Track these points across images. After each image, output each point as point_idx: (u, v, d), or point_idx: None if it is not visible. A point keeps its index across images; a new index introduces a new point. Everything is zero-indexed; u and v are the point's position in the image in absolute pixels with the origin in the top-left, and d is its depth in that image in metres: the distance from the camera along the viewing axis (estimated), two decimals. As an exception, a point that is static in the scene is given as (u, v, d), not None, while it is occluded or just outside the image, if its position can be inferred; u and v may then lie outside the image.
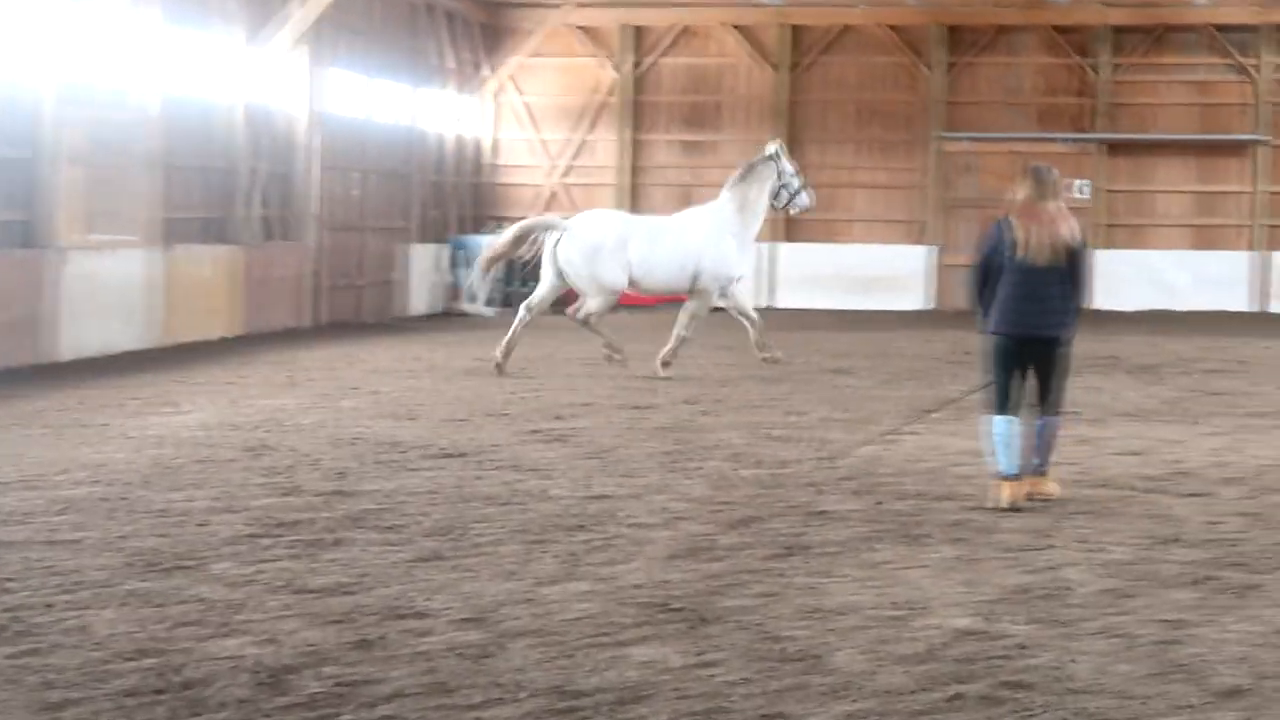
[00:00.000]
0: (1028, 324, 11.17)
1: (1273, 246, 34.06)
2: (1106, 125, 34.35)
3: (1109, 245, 34.05)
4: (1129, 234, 34.32)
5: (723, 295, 19.86)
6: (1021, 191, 11.31)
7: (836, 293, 34.22)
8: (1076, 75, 34.54)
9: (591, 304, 19.83)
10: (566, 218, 20.56)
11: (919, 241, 34.60)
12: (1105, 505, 11.01)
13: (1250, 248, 34.09)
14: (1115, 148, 34.34)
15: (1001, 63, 34.84)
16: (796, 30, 35.16)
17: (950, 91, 34.79)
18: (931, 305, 34.09)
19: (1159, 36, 34.27)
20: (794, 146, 34.71)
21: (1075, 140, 34.37)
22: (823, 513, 10.65)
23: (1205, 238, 34.46)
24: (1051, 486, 11.31)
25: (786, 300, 34.28)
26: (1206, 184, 34.41)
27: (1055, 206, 11.24)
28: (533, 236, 19.94)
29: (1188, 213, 34.50)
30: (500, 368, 19.38)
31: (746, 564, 9.07)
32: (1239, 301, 33.78)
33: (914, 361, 21.71)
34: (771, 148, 20.37)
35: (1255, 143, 34.00)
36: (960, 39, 34.75)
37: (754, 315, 20.17)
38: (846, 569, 8.98)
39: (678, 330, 19.70)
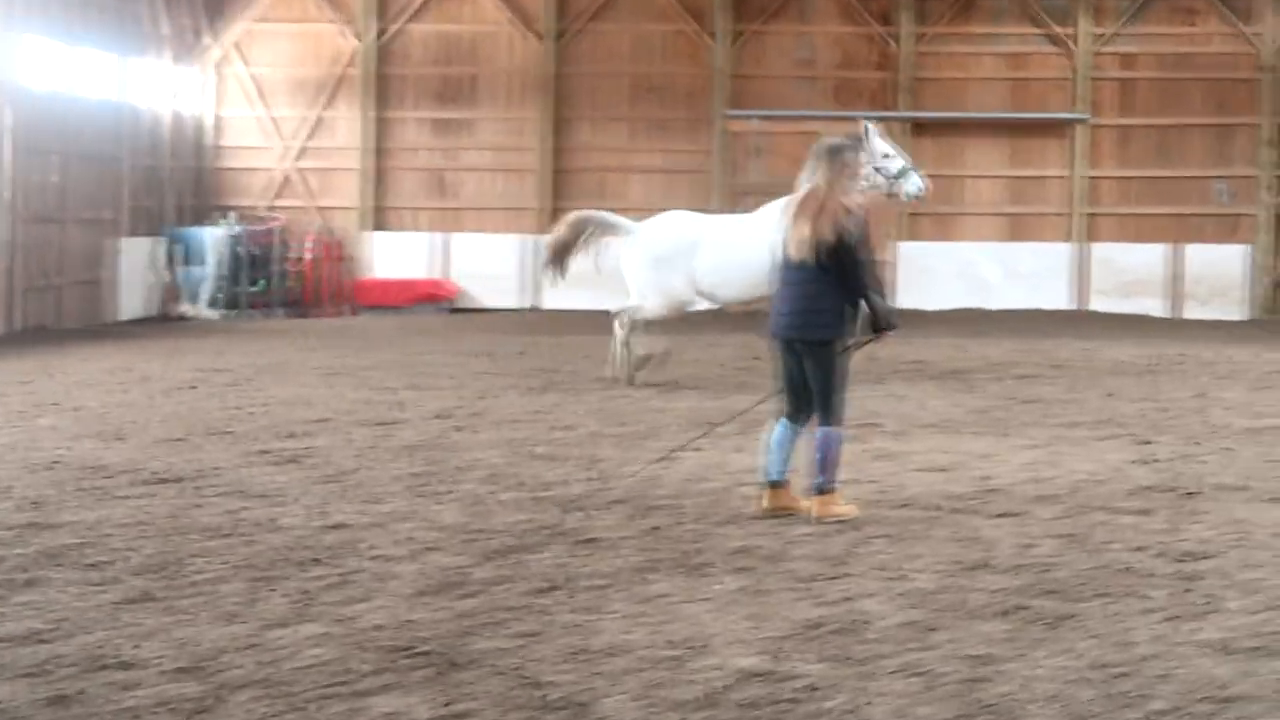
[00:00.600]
0: (786, 325, 11.54)
1: (1093, 237, 34.90)
2: (910, 102, 34.95)
3: (913, 237, 34.63)
4: (936, 224, 34.85)
5: None
6: (806, 171, 11.58)
7: (604, 291, 34.04)
8: (877, 46, 35.10)
9: (648, 311, 20.35)
10: (638, 220, 21.26)
11: (702, 233, 34.84)
12: (907, 528, 11.23)
13: (1069, 239, 34.92)
14: (920, 127, 34.91)
15: (793, 32, 35.24)
16: (564, -7, 35.20)
17: (736, 64, 35.12)
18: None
19: (967, 4, 34.95)
20: (560, 125, 34.97)
21: (875, 119, 34.87)
22: (591, 541, 10.71)
23: (1020, 228, 35.20)
24: (843, 508, 11.52)
25: (556, 300, 34.14)
26: (1021, 168, 35.16)
27: (828, 191, 11.47)
28: (589, 230, 20.75)
29: (1001, 200, 35.22)
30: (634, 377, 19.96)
31: (504, 600, 9.08)
32: (1057, 298, 34.56)
33: (697, 369, 21.92)
34: (866, 127, 20.44)
35: (1074, 121, 34.85)
36: (747, 5, 35.05)
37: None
38: (617, 604, 9.04)
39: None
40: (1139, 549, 10.54)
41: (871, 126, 20.41)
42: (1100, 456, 14.42)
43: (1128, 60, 35.08)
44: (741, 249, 19.88)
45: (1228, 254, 34.37)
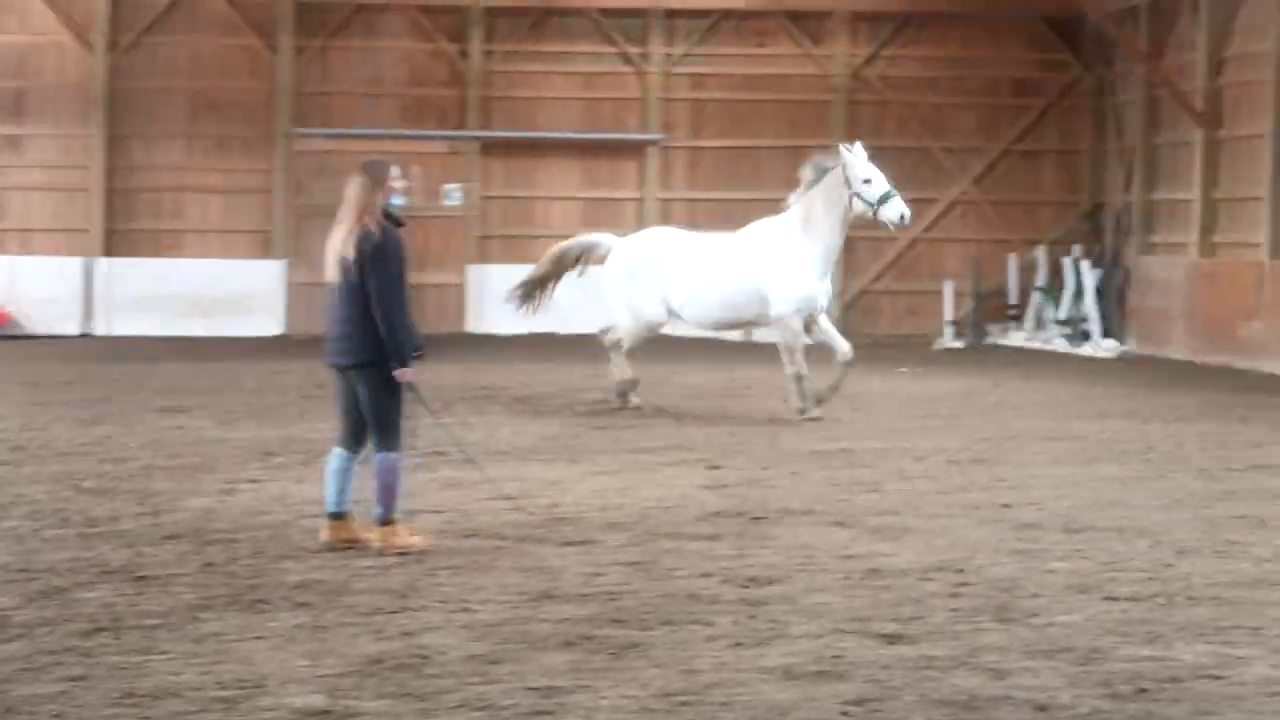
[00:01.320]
0: (332, 349, 11.62)
1: (666, 260, 35.50)
2: (481, 121, 35.11)
3: (485, 259, 34.71)
4: (507, 246, 34.91)
5: (806, 329, 19.94)
6: (347, 191, 11.61)
7: (171, 316, 33.46)
8: (447, 63, 35.18)
9: (621, 331, 20.43)
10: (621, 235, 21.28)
11: (266, 255, 34.42)
12: (473, 558, 11.30)
13: (642, 262, 35.45)
14: (490, 147, 35.09)
15: (360, 48, 35.09)
16: (118, 3, 34.38)
17: (302, 80, 34.80)
18: (283, 330, 33.91)
19: (539, 21, 35.25)
20: (116, 143, 34.13)
21: (446, 138, 35.02)
22: (143, 579, 10.54)
23: (594, 250, 35.63)
24: (408, 539, 11.54)
25: (112, 326, 33.37)
26: (594, 189, 35.59)
27: (358, 209, 11.50)
28: (571, 260, 20.85)
29: (575, 222, 35.42)
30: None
31: (47, 644, 8.88)
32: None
33: (259, 397, 21.69)
34: (844, 151, 19.92)
35: (647, 142, 35.46)
36: (311, 19, 34.72)
37: (846, 355, 19.89)
38: (169, 644, 8.91)
39: (787, 373, 19.86)
40: (705, 575, 10.79)
41: (850, 149, 19.89)
42: (669, 482, 14.72)
43: (700, 81, 35.83)
44: (714, 267, 19.98)
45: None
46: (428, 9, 34.96)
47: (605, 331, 20.83)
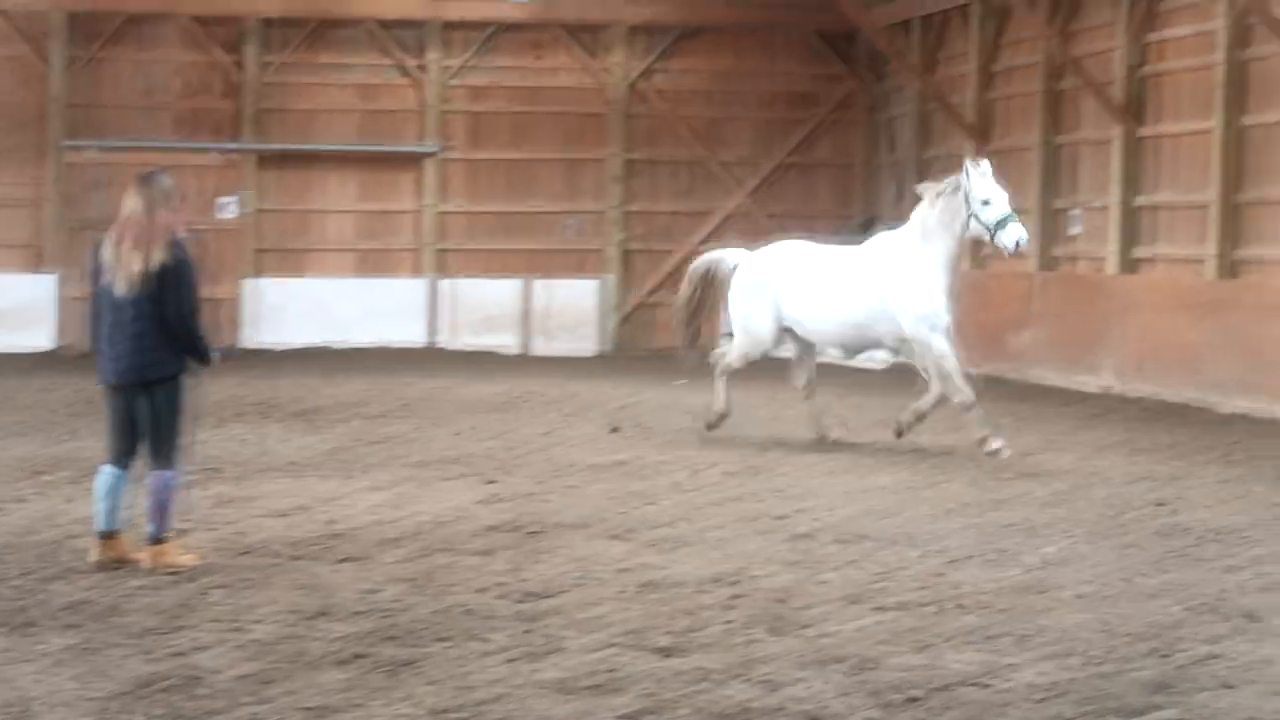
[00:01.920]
0: (114, 368, 11.37)
1: (446, 272, 35.42)
2: (257, 133, 34.76)
3: (261, 272, 34.41)
4: (285, 259, 34.70)
5: (930, 349, 18.26)
6: (127, 203, 11.42)
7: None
8: (222, 75, 34.77)
9: (732, 351, 19.76)
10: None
11: (38, 269, 33.82)
12: (247, 576, 11.17)
13: (421, 274, 35.36)
14: (267, 159, 34.76)
15: (135, 59, 34.54)
16: (-121, 12, 33.62)
17: (74, 92, 34.21)
18: (55, 345, 33.32)
19: (315, 32, 34.97)
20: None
21: (221, 150, 34.64)
22: (-96, 603, 10.29)
23: (373, 263, 35.41)
24: (180, 557, 11.39)
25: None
26: (373, 201, 35.37)
27: (149, 218, 11.34)
28: (712, 275, 19.87)
29: (353, 235, 35.35)
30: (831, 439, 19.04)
31: None
32: (412, 334, 34.93)
33: (27, 414, 21.24)
34: (968, 166, 18.41)
35: (425, 154, 35.32)
36: (84, 29, 34.17)
37: (935, 392, 18.35)
38: (-69, 670, 8.71)
39: (954, 402, 18.14)
40: (481, 591, 10.76)
41: (976, 165, 18.36)
42: (447, 497, 14.66)
43: (479, 93, 35.76)
44: (833, 283, 18.73)
45: (580, 289, 35.40)
46: (203, 20, 34.49)
47: (715, 355, 20.11)
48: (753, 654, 9.14)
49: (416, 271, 35.38)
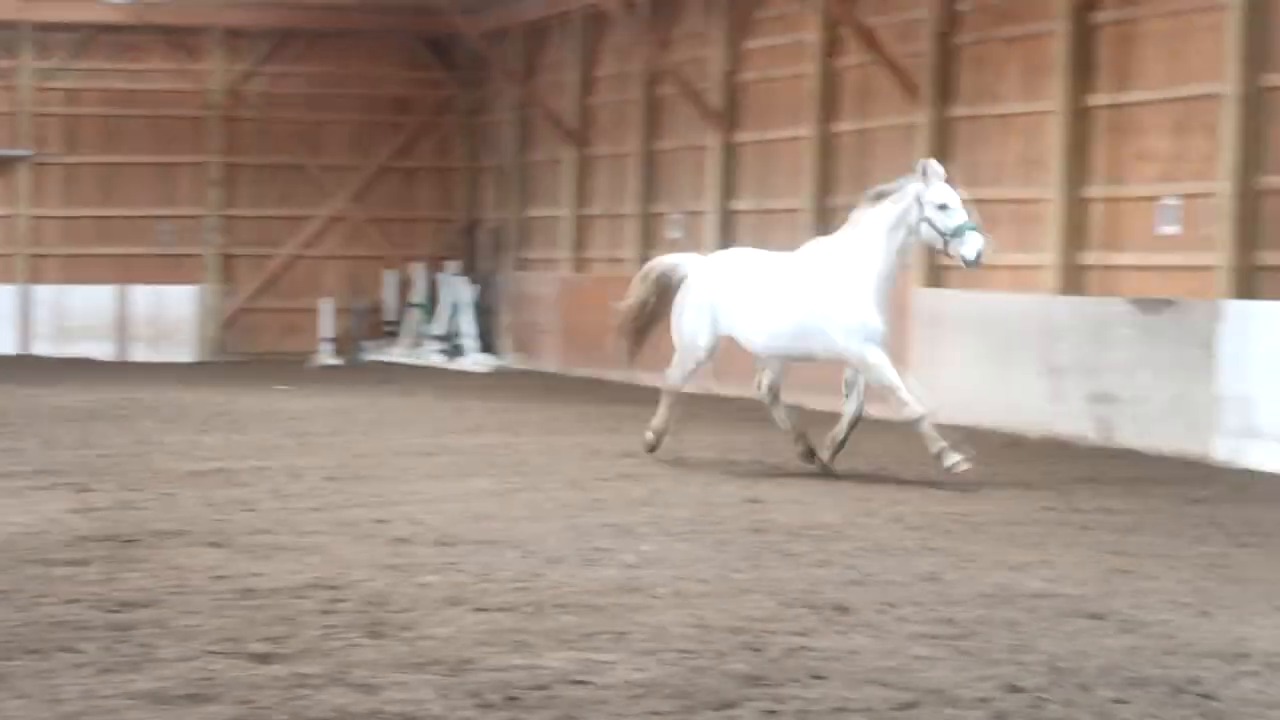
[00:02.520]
0: None
1: (38, 279, 34.52)
2: None
3: None
4: None
5: (865, 364, 16.82)
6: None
7: None
8: None
9: (672, 367, 18.39)
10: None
11: None
12: None
13: (13, 280, 34.40)
14: None
15: None
16: None
17: None
18: None
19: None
20: None
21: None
22: None
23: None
24: None
25: None
26: (-37, 207, 34.42)
27: None
28: (666, 281, 18.42)
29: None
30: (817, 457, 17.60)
31: None
32: (4, 342, 33.98)
33: None
34: (924, 167, 16.83)
35: (17, 158, 34.37)
36: None
37: (857, 405, 17.25)
38: None
39: (904, 417, 16.76)
40: (73, 601, 10.46)
41: (932, 166, 16.78)
42: (36, 507, 14.23)
43: (74, 96, 34.95)
44: (766, 293, 17.35)
45: (177, 295, 34.80)
46: None
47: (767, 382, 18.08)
48: (350, 658, 9.04)
49: (9, 278, 34.39)
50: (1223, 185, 19.22)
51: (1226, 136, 19.22)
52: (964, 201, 16.59)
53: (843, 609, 10.37)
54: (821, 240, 17.95)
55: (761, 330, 17.45)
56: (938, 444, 16.35)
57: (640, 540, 12.88)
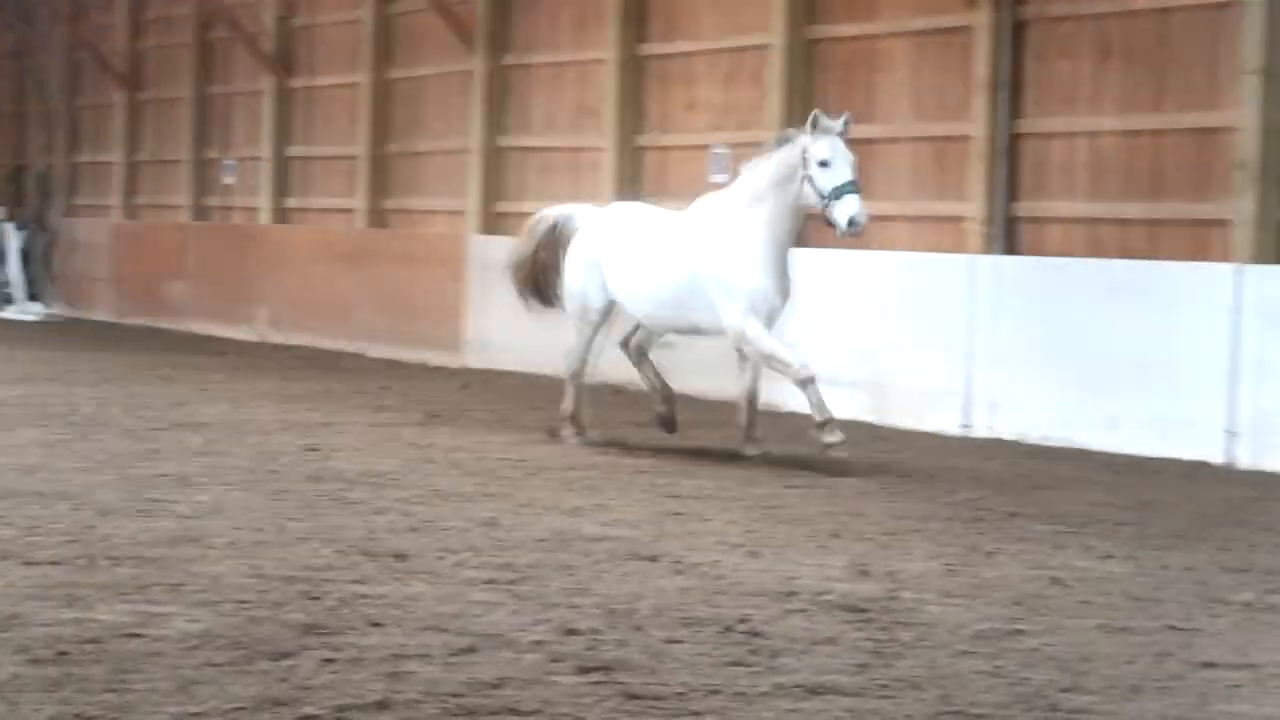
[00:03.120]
0: None
1: None
2: None
3: None
4: None
5: (743, 338, 14.90)
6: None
7: None
8: None
9: (570, 342, 16.25)
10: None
11: None
12: None
13: None
14: None
15: None
16: None
17: None
18: None
19: None
20: None
21: None
22: None
23: None
24: None
25: None
26: None
27: None
28: (557, 232, 16.29)
29: None
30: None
31: None
32: None
33: None
34: (816, 117, 14.78)
35: None
36: None
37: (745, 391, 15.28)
38: None
39: (792, 383, 14.93)
40: None
41: (823, 118, 14.73)
42: None
43: None
44: (651, 256, 15.43)
45: None
46: None
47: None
48: (-110, 617, 8.72)
49: None
50: (772, 135, 19.69)
51: (774, 87, 19.70)
52: (851, 159, 14.65)
53: (401, 556, 10.37)
54: (711, 196, 15.94)
55: (644, 297, 15.60)
56: (825, 413, 14.52)
57: (196, 490, 12.68)
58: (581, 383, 16.27)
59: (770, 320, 14.90)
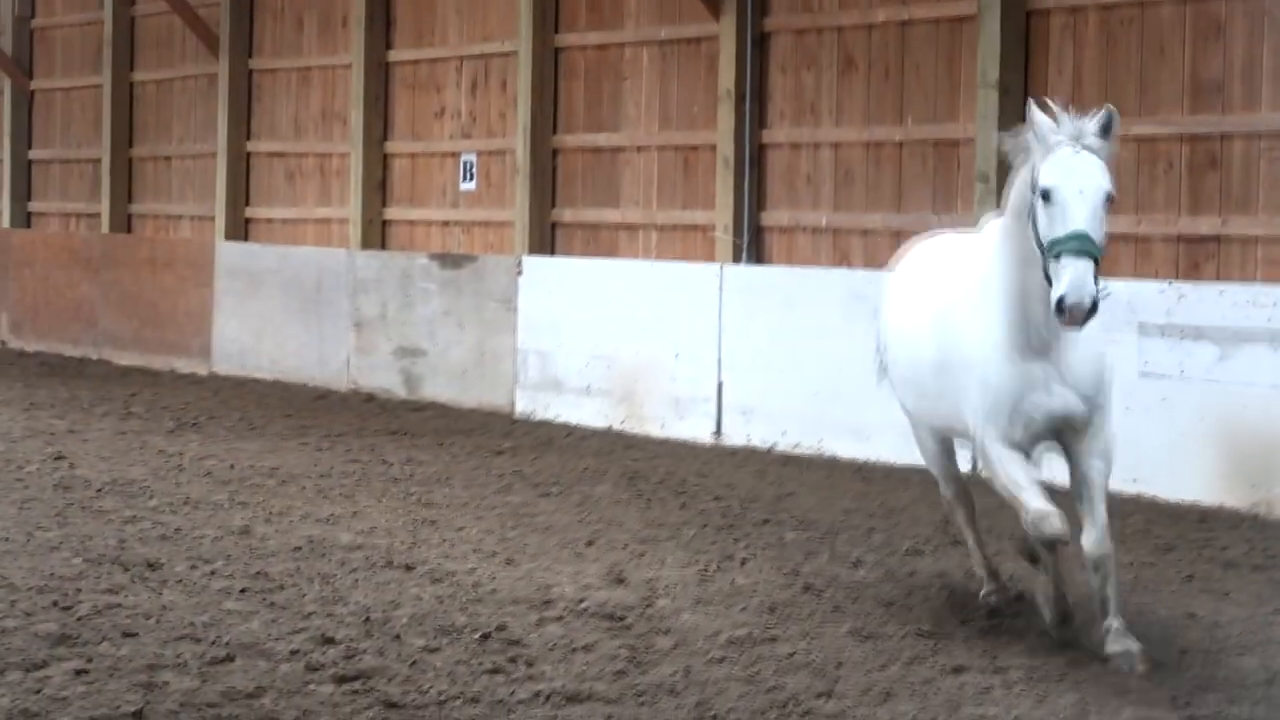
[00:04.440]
0: None
1: None
2: None
3: None
4: None
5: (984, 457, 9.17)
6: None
7: None
8: None
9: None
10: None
11: None
12: None
13: None
14: None
15: None
16: None
17: None
18: None
19: None
20: None
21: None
22: None
23: None
24: None
25: None
26: None
27: None
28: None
29: None
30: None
31: None
32: None
33: None
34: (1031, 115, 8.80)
35: None
36: None
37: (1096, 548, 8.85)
38: None
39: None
40: None
41: (1050, 118, 8.63)
42: None
43: None
44: (915, 309, 9.96)
45: None
46: None
47: None
48: None
49: None
50: (519, 142, 19.72)
51: (521, 94, 19.73)
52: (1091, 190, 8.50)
53: (153, 565, 10.26)
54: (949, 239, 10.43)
55: (900, 380, 10.31)
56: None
57: None
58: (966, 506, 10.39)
59: (1033, 435, 9.02)
